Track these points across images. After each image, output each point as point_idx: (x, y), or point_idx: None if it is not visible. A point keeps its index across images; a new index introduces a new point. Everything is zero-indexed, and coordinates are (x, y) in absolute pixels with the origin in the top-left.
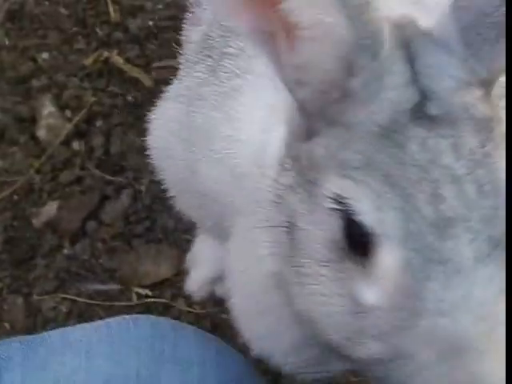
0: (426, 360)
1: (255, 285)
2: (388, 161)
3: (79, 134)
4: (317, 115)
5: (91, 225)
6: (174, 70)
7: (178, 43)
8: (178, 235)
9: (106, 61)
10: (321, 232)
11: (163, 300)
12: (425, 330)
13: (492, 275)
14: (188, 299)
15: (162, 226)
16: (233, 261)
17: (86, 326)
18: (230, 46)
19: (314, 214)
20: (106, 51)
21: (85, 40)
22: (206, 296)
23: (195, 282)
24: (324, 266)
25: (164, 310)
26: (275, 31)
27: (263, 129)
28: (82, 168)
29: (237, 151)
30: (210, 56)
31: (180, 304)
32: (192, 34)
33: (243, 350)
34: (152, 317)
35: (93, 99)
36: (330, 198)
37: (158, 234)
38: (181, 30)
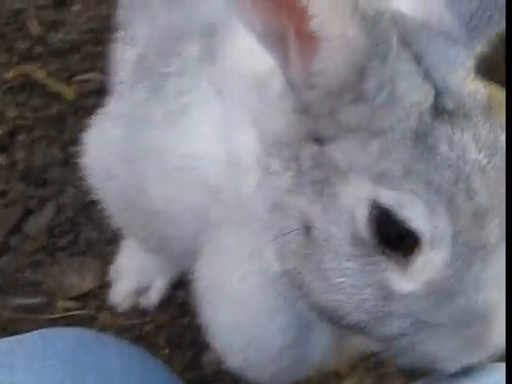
0: (455, 329)
1: (247, 293)
2: (426, 167)
3: (2, 147)
4: (327, 119)
5: (15, 238)
6: (95, 83)
7: (100, 56)
8: (102, 247)
9: (28, 75)
10: (342, 230)
11: (88, 312)
12: (461, 306)
13: (504, 248)
14: (112, 311)
15: (86, 238)
16: (215, 275)
17: (11, 339)
18: (170, 66)
19: (330, 213)
20: (28, 65)
21: (6, 54)
22: (130, 307)
23: (119, 294)
24: (349, 260)
25: (89, 322)
26: (287, 35)
27: (223, 140)
28: (5, 182)
29: (202, 168)
30: (149, 76)
31: (104, 316)
32: (125, 54)
33: (167, 360)
34: (76, 328)
35: (15, 113)
36: (362, 202)
37: (81, 247)
38: (102, 44)
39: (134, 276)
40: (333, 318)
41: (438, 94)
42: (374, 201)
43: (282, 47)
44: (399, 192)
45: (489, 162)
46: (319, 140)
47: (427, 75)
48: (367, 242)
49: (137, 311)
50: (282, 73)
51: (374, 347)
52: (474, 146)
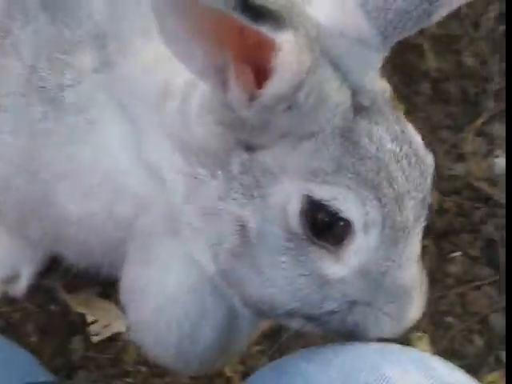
0: (380, 304)
1: (179, 294)
2: (353, 160)
3: None
4: (259, 130)
5: None
6: None
7: None
8: None
9: None
10: (275, 226)
11: None
12: (388, 284)
13: (420, 228)
14: None
15: None
16: (144, 278)
17: None
18: (64, 78)
19: (263, 213)
20: None
21: None
22: None
23: None
24: (283, 254)
25: None
26: (226, 63)
27: (138, 154)
28: None
29: (124, 182)
30: (44, 87)
31: None
32: (8, 65)
33: (35, 348)
34: None
35: None
36: (294, 198)
37: None
38: None
39: (1, 265)
40: (267, 311)
41: (355, 94)
42: (307, 196)
43: (218, 74)
44: (331, 186)
45: (400, 151)
46: (249, 147)
47: (345, 77)
48: (300, 236)
49: (6, 300)
50: (214, 94)
51: (298, 326)
52: (388, 137)
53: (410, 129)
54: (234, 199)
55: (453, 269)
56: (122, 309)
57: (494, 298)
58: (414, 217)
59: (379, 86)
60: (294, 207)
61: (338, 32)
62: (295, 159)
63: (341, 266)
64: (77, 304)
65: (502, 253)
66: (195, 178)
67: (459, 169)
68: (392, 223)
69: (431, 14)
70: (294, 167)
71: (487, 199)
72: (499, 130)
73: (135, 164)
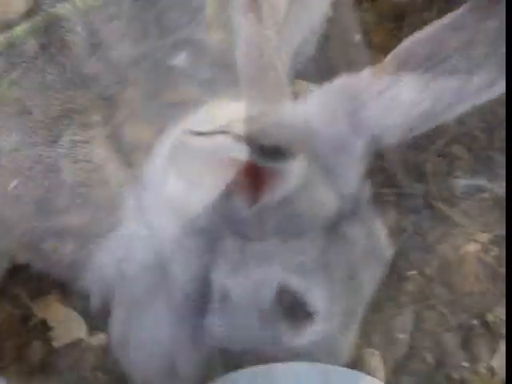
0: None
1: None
2: (329, 259)
3: None
4: (254, 227)
5: None
6: None
7: None
8: None
9: None
10: (252, 299)
11: None
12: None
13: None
14: None
15: None
16: (144, 329)
17: None
18: (78, 135)
19: (244, 286)
20: None
21: None
22: None
23: None
24: (254, 320)
25: None
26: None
27: (142, 216)
28: None
29: (134, 246)
30: (56, 142)
31: None
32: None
33: None
34: None
35: None
36: (272, 282)
37: None
38: None
39: None
40: (234, 354)
41: (341, 198)
42: (283, 284)
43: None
44: (306, 281)
45: (369, 246)
46: (243, 237)
47: (333, 183)
48: (270, 310)
49: None
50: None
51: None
52: (362, 235)
53: (378, 223)
54: (221, 271)
55: (408, 287)
56: (83, 315)
57: (447, 317)
58: (368, 298)
59: (361, 189)
60: (270, 289)
61: (326, 137)
62: (282, 253)
63: (298, 339)
64: (38, 309)
65: (456, 272)
66: (190, 248)
67: (419, 188)
68: (349, 310)
69: (414, 131)
70: (279, 259)
71: (445, 219)
72: (460, 151)
73: (138, 227)
